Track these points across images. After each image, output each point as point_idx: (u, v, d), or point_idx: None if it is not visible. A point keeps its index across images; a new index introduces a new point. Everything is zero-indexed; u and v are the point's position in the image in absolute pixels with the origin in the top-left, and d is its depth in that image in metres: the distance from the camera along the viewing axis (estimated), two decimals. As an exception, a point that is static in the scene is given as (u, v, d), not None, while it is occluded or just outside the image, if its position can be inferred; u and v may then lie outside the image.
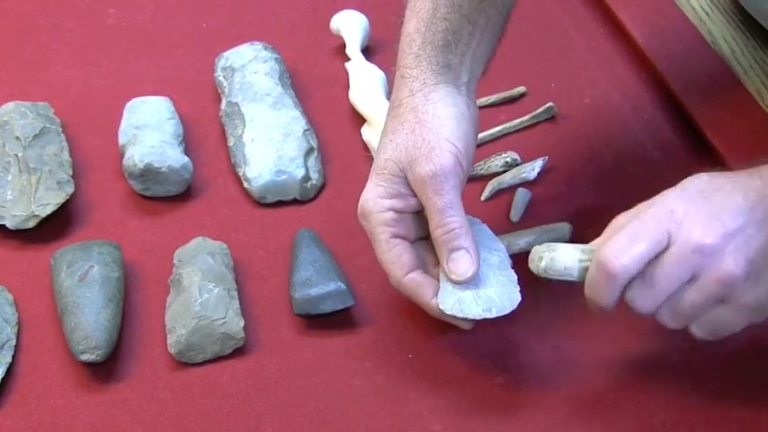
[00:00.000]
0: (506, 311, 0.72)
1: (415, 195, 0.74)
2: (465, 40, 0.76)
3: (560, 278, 0.70)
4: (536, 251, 0.70)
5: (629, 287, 0.67)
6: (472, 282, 0.72)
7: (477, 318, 0.72)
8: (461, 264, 0.72)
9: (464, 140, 0.73)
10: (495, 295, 0.72)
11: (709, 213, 0.65)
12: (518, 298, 0.73)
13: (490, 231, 0.77)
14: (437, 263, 0.75)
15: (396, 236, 0.74)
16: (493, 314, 0.72)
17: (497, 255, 0.75)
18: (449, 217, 0.72)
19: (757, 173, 0.67)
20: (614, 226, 0.68)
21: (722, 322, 0.67)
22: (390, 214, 0.74)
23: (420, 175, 0.72)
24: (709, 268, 0.65)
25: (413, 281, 0.73)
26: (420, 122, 0.73)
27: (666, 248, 0.65)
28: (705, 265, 0.65)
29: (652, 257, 0.65)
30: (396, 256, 0.73)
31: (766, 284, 0.66)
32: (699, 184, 0.67)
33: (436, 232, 0.72)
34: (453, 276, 0.72)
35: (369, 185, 0.75)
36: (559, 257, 0.69)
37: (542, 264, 0.69)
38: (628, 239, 0.66)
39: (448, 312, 0.72)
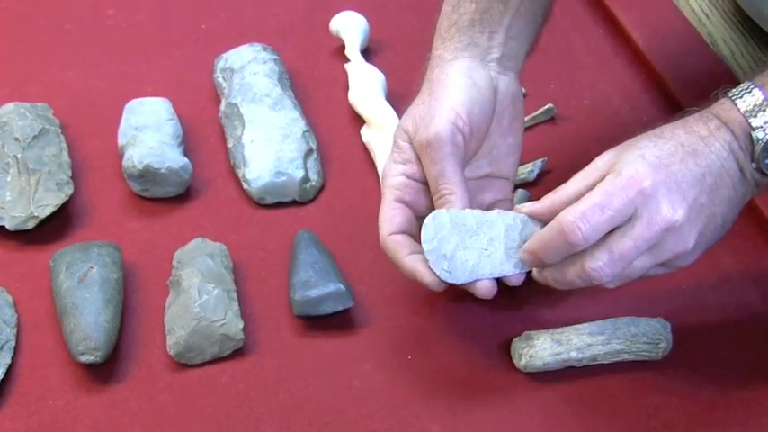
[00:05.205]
0: (447, 280, 0.71)
1: None
2: (495, 19, 0.77)
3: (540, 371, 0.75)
4: (515, 347, 0.75)
5: (590, 257, 0.68)
6: (463, 233, 0.72)
7: (425, 249, 0.71)
8: None
9: (468, 108, 0.74)
10: (463, 262, 0.71)
11: (674, 186, 0.67)
12: (476, 279, 0.72)
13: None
14: None
15: (400, 200, 0.75)
16: (435, 268, 0.71)
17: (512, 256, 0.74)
18: (441, 185, 0.73)
19: (702, 141, 0.69)
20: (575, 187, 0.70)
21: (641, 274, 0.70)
22: (401, 179, 0.75)
23: (418, 142, 0.74)
24: (671, 241, 0.68)
25: (393, 240, 0.74)
26: (431, 94, 0.76)
27: (630, 219, 0.67)
28: (668, 238, 0.68)
29: (614, 227, 0.67)
30: (390, 216, 0.75)
31: (702, 248, 0.70)
32: (654, 150, 0.68)
33: (433, 198, 0.74)
34: None
35: (389, 153, 0.77)
36: (537, 354, 0.74)
37: (522, 362, 0.75)
38: (592, 208, 0.67)
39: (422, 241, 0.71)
